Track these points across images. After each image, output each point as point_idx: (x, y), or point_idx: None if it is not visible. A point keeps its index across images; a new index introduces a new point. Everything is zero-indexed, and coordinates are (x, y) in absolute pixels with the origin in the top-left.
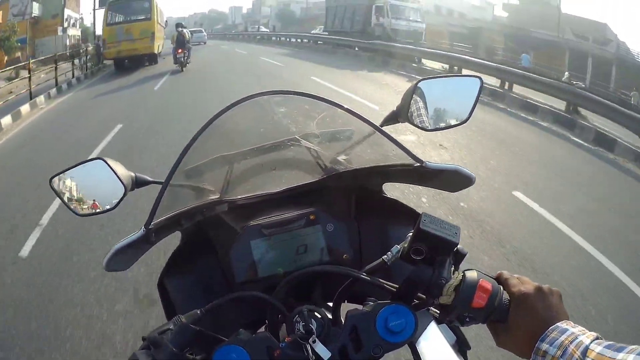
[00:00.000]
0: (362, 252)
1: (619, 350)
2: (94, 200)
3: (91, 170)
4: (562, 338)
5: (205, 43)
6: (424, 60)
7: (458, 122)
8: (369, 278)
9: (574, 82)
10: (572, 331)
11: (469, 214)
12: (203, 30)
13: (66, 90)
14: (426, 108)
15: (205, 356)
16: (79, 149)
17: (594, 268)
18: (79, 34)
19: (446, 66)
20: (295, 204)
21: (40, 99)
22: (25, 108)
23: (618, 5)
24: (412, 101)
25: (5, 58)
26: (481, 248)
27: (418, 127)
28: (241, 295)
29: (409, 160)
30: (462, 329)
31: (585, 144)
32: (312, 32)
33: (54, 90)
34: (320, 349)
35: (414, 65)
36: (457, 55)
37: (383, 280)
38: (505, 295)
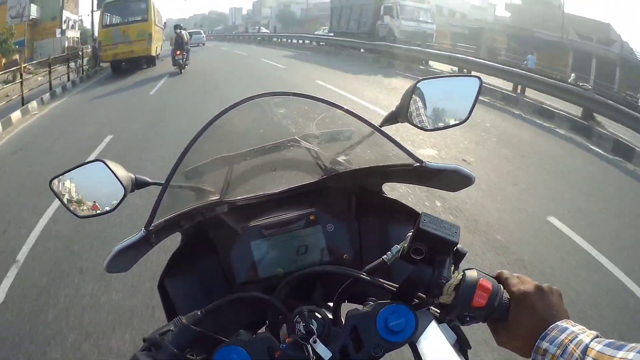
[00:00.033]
0: (363, 252)
1: (619, 348)
2: (94, 201)
3: (91, 172)
4: (562, 337)
5: (204, 44)
6: (431, 62)
7: (457, 122)
8: (369, 278)
9: (581, 84)
10: (572, 330)
11: (506, 249)
12: (202, 31)
13: (60, 94)
14: (425, 108)
15: (205, 357)
16: (61, 168)
17: None
18: (78, 35)
19: (455, 68)
20: (296, 205)
21: (33, 104)
22: (16, 115)
23: (621, 5)
24: (411, 101)
25: (3, 61)
26: None
27: (417, 127)
28: (242, 296)
29: (408, 160)
30: (463, 328)
31: (605, 154)
32: (316, 33)
33: (47, 96)
34: (321, 349)
35: (421, 67)
36: (469, 57)
37: (383, 280)
38: (506, 295)
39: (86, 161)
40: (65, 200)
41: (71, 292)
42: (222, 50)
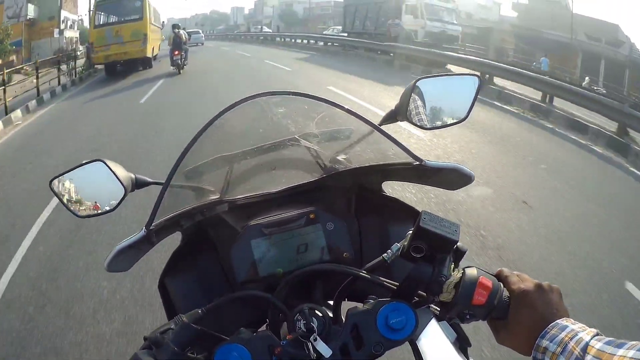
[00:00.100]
0: (363, 251)
1: (619, 346)
2: (94, 201)
3: (91, 171)
4: (562, 335)
5: (202, 44)
6: (449, 66)
7: (456, 121)
8: (369, 276)
9: (595, 88)
10: (572, 328)
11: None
12: (200, 31)
13: (48, 101)
14: (425, 107)
15: (206, 355)
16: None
17: None
18: (77, 35)
19: (477, 74)
20: (295, 204)
21: (17, 113)
22: None
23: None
24: (410, 100)
25: None
26: None
27: (416, 125)
28: (242, 295)
29: (408, 159)
30: (463, 326)
31: None
32: (325, 33)
33: (33, 102)
34: (322, 347)
35: (439, 71)
36: (492, 62)
37: (383, 278)
38: (506, 293)
39: (86, 161)
40: (65, 200)
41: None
42: (223, 50)
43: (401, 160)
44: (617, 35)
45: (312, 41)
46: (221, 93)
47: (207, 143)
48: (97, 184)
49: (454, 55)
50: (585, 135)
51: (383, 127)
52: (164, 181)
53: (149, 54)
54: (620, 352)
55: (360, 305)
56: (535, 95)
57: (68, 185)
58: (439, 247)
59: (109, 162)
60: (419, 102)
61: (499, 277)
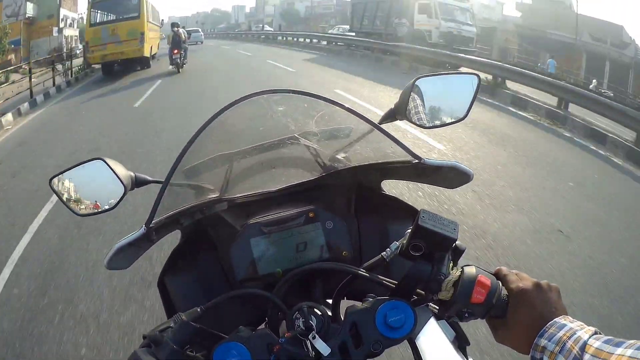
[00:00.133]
0: (362, 249)
1: (618, 345)
2: (94, 200)
3: (91, 170)
4: (561, 333)
5: (202, 43)
6: (462, 69)
7: (455, 120)
8: (367, 274)
9: (603, 91)
10: (571, 326)
11: None
12: (200, 30)
13: (41, 103)
14: (424, 105)
15: (205, 354)
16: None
17: None
18: (77, 34)
19: (489, 77)
20: (295, 202)
21: (8, 117)
22: None
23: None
24: (409, 99)
25: None
26: None
27: (416, 124)
28: (241, 293)
29: (407, 157)
30: (462, 324)
31: None
32: (330, 32)
33: (25, 105)
34: (320, 345)
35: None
36: (505, 65)
37: (382, 277)
38: (504, 291)
39: (86, 159)
40: (65, 199)
41: None
42: (223, 49)
43: (400, 159)
44: (621, 37)
45: (314, 40)
46: (221, 95)
47: (207, 141)
48: (96, 182)
49: (464, 56)
50: (604, 145)
51: (382, 126)
52: (163, 179)
53: (147, 54)
54: (619, 350)
55: (359, 303)
56: (544, 97)
57: (68, 184)
58: (437, 245)
59: (108, 161)
60: (418, 101)
61: (498, 275)
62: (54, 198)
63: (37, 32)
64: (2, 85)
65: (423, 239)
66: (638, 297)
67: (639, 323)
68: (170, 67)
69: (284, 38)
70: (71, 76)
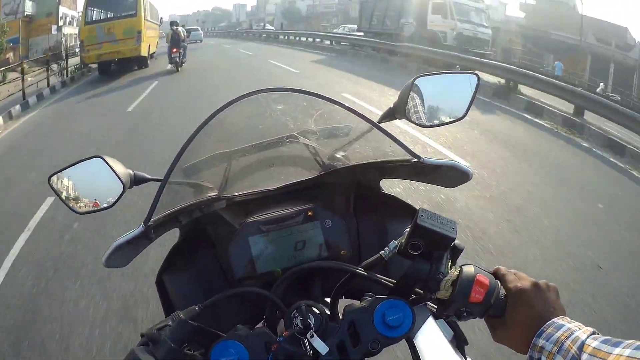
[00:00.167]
0: (361, 248)
1: (616, 345)
2: (92, 198)
3: (89, 168)
4: (559, 334)
5: (201, 41)
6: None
7: (454, 119)
8: (366, 273)
9: (610, 94)
10: (569, 327)
11: None
12: (199, 28)
13: (34, 105)
14: (423, 105)
15: (203, 352)
16: None
17: None
18: (76, 32)
19: (502, 80)
20: (294, 201)
21: None
22: None
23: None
24: (409, 98)
25: None
26: None
27: (415, 123)
28: (239, 291)
29: (406, 156)
30: (460, 324)
31: None
32: (335, 31)
33: (17, 108)
34: (318, 343)
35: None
36: (520, 69)
37: (380, 276)
38: (503, 291)
39: (85, 157)
40: (64, 197)
41: None
42: (224, 48)
43: (399, 158)
44: (626, 39)
45: (317, 40)
46: (222, 96)
47: (206, 139)
48: (95, 180)
49: (478, 60)
50: (622, 157)
51: (382, 125)
52: (162, 178)
53: (144, 53)
54: (617, 350)
55: (357, 302)
56: (556, 101)
57: (67, 182)
58: (436, 244)
59: (107, 159)
60: (418, 100)
61: (496, 275)
62: (32, 224)
63: (36, 30)
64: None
65: (422, 237)
66: None
67: None
68: (169, 66)
69: (286, 37)
70: (67, 76)
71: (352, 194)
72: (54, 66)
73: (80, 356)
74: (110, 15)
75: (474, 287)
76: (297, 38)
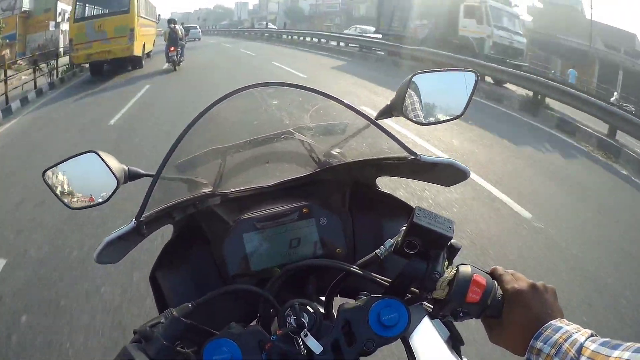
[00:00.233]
0: (356, 247)
1: (615, 347)
2: (86, 193)
3: (84, 163)
4: (557, 336)
5: (199, 39)
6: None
7: (452, 117)
8: (361, 272)
9: (624, 105)
10: (567, 329)
11: None
12: (198, 26)
13: (17, 111)
14: (421, 102)
15: (196, 350)
16: None
17: None
18: None
19: (529, 93)
20: (289, 198)
21: None
22: None
23: None
24: (406, 95)
25: None
26: None
27: (412, 121)
28: (233, 289)
29: (403, 154)
30: (456, 324)
31: None
32: (345, 32)
33: None
34: (312, 343)
35: (481, 85)
36: (551, 83)
37: (376, 275)
38: (500, 291)
39: (79, 152)
40: (58, 192)
41: None
42: (225, 47)
43: (396, 155)
44: (634, 46)
45: (322, 40)
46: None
47: (200, 135)
48: (89, 175)
49: (513, 72)
50: None
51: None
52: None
53: (138, 52)
54: (616, 353)
55: (352, 301)
56: (581, 114)
57: (61, 177)
58: (432, 243)
59: (101, 153)
60: (415, 98)
61: (494, 275)
62: None
63: (34, 27)
64: None
65: (418, 236)
66: None
67: None
68: (167, 64)
69: (289, 37)
70: (56, 77)
71: (347, 192)
72: (44, 66)
73: None
74: (101, 11)
75: (471, 287)
76: (301, 38)
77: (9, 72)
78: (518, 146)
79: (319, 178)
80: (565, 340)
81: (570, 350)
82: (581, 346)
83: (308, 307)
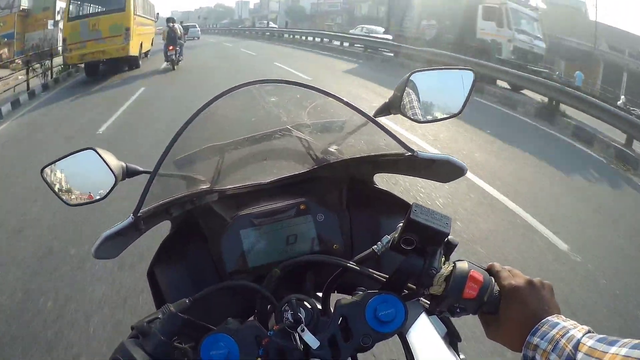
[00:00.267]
0: (353, 243)
1: (611, 343)
2: (85, 190)
3: (82, 160)
4: (553, 332)
5: (198, 38)
6: (498, 83)
7: (450, 115)
8: (358, 268)
9: (632, 109)
10: (564, 325)
11: None
12: (196, 25)
13: (7, 114)
14: (419, 100)
15: (193, 345)
16: None
17: None
18: None
19: (544, 99)
20: (286, 195)
21: None
22: None
23: None
24: (404, 93)
25: None
26: None
27: (410, 118)
28: (230, 285)
29: (400, 150)
30: (454, 321)
31: None
32: (351, 32)
33: None
34: (309, 338)
35: (493, 89)
36: (569, 89)
37: (373, 271)
38: (497, 287)
39: (77, 149)
40: (56, 189)
41: None
42: (225, 46)
43: (393, 151)
44: (639, 48)
45: (325, 40)
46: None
47: (198, 132)
48: (88, 172)
49: (534, 78)
50: None
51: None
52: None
53: (134, 52)
54: (613, 349)
55: (349, 297)
56: (594, 121)
57: (59, 174)
58: (429, 239)
59: (99, 150)
60: (413, 96)
61: (491, 271)
62: None
63: (33, 25)
64: None
65: (415, 232)
66: None
67: None
68: (165, 64)
69: (291, 36)
70: (51, 77)
71: (345, 188)
72: (38, 66)
73: None
74: (95, 9)
75: (468, 283)
76: (304, 37)
77: (6, 72)
78: (541, 160)
79: (316, 175)
80: (562, 336)
81: (567, 346)
82: (578, 342)
83: (305, 303)
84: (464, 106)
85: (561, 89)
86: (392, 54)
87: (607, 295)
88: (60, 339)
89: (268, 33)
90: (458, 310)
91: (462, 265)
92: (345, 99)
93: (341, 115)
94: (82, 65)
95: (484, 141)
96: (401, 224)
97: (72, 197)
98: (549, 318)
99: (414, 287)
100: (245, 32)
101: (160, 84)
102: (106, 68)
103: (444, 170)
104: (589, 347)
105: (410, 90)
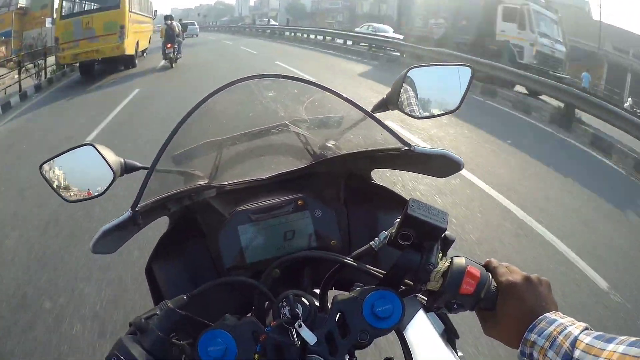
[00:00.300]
0: (351, 239)
1: (609, 341)
2: (83, 186)
3: (81, 156)
4: (551, 329)
5: (197, 36)
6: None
7: (448, 111)
8: (355, 263)
9: (638, 111)
10: (561, 322)
11: None
12: (195, 22)
13: None
14: (416, 96)
15: (191, 341)
16: None
17: None
18: None
19: (560, 104)
20: (284, 190)
21: None
22: None
23: None
24: (402, 89)
25: None
26: None
27: (408, 114)
28: (227, 281)
29: (397, 145)
30: (451, 318)
31: None
32: (356, 30)
33: None
34: (306, 333)
35: (507, 93)
36: (582, 94)
37: (370, 266)
38: (494, 283)
39: (76, 145)
40: (55, 185)
41: None
42: (225, 44)
43: (390, 146)
44: None
45: (328, 38)
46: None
47: (196, 127)
48: (86, 168)
49: (558, 85)
50: None
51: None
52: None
53: (129, 51)
54: (610, 346)
55: (346, 293)
56: (609, 127)
57: (58, 171)
58: (427, 235)
59: (98, 146)
60: (411, 92)
61: (488, 267)
62: None
63: (30, 23)
64: None
65: (412, 228)
66: None
67: None
68: (163, 62)
69: (292, 34)
70: (45, 77)
71: (342, 184)
72: (31, 66)
73: None
74: (89, 7)
75: (465, 279)
76: (305, 35)
77: (3, 71)
78: (566, 177)
79: (314, 170)
80: (560, 333)
81: (564, 343)
82: (575, 339)
83: (302, 298)
84: (461, 102)
85: (585, 97)
86: (397, 53)
87: None
88: None
89: (269, 31)
90: (455, 306)
91: (460, 260)
92: (343, 94)
93: (339, 111)
94: (77, 65)
95: (506, 154)
96: (398, 220)
97: (70, 194)
98: (547, 315)
99: (411, 282)
100: (246, 30)
101: (156, 84)
102: (101, 67)
103: (440, 165)
104: (587, 344)
105: (408, 87)
